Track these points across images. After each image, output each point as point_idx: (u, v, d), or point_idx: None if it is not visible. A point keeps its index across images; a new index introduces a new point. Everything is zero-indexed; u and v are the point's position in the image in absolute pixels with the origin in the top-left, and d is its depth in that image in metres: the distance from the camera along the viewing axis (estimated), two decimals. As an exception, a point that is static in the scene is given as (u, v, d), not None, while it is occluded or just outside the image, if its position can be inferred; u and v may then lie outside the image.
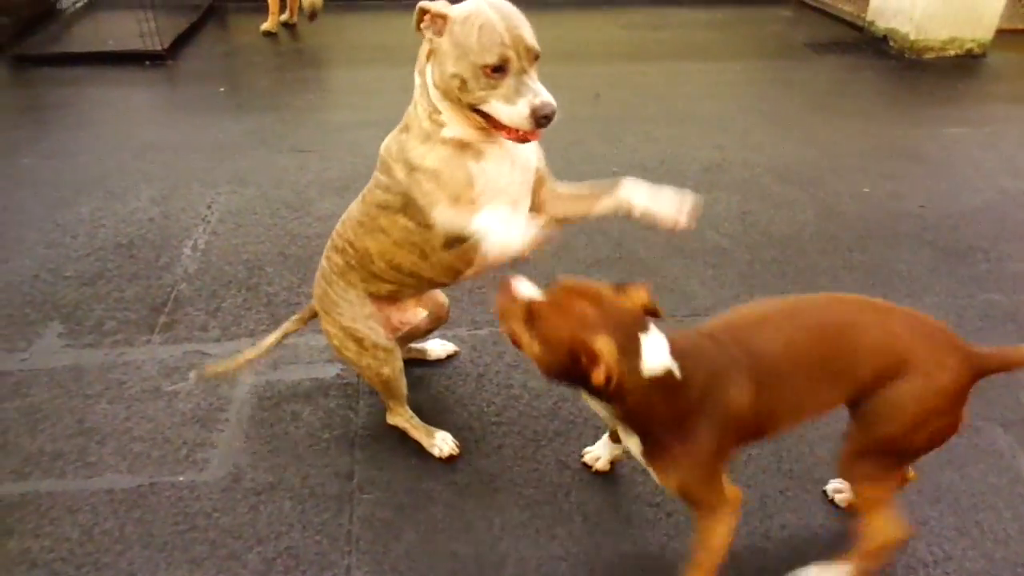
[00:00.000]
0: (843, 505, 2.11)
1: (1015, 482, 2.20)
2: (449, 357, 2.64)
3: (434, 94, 1.77)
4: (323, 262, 2.17)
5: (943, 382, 1.62)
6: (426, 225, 1.87)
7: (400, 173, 1.86)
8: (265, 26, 6.17)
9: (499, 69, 1.65)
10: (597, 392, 1.47)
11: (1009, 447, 2.31)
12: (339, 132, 4.41)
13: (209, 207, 3.59)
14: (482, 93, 1.68)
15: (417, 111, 1.83)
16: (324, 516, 2.06)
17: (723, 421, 1.59)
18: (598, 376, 1.43)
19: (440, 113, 1.78)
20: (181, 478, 2.17)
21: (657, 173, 3.96)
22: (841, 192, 3.83)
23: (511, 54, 1.64)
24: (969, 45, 5.84)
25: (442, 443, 2.25)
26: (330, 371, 2.55)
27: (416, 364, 2.60)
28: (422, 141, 1.82)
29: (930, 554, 1.99)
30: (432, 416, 2.39)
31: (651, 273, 3.12)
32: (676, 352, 1.53)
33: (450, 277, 2.04)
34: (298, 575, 1.90)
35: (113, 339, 2.71)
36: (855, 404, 1.70)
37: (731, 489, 1.69)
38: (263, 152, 4.15)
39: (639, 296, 1.55)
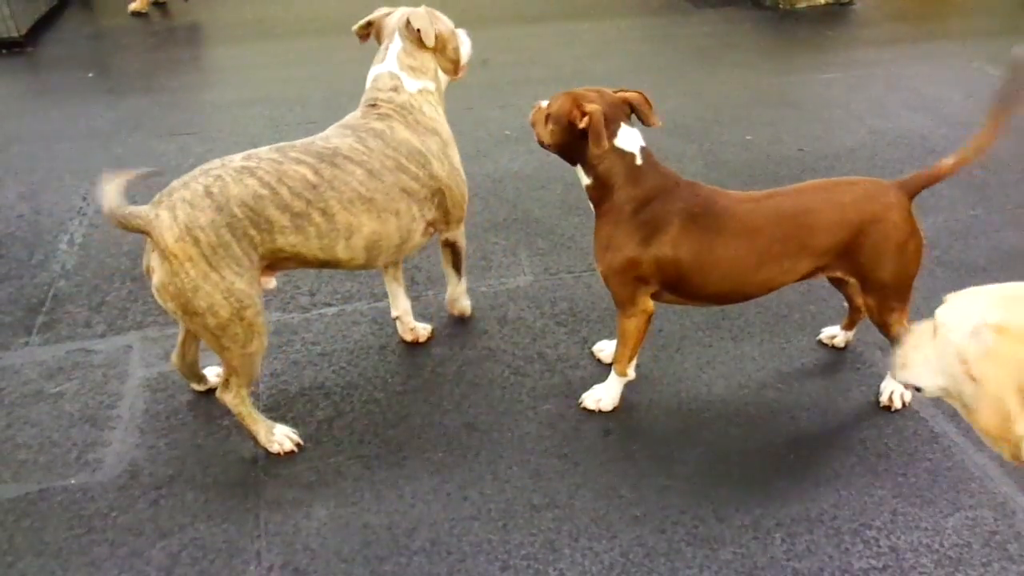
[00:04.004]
0: (841, 347, 2.56)
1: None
2: None
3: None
4: (234, 210, 1.85)
5: (895, 218, 2.05)
6: (440, 210, 2.23)
7: (442, 171, 2.19)
8: (134, 6, 5.85)
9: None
10: (581, 156, 2.03)
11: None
12: (220, 112, 4.23)
13: (84, 199, 3.40)
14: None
15: (440, 111, 2.28)
16: (230, 503, 2.01)
17: (647, 238, 2.02)
18: (583, 121, 1.95)
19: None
20: (73, 481, 2.07)
21: (549, 134, 3.97)
22: (726, 141, 3.96)
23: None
24: (838, -7, 6.09)
25: (284, 438, 2.13)
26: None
27: (315, 343, 2.56)
28: (451, 145, 2.28)
29: (822, 474, 2.11)
30: (337, 391, 2.36)
31: (548, 232, 3.16)
32: (647, 155, 2.05)
33: (376, 266, 2.26)
34: (206, 564, 1.86)
35: (-14, 345, 2.55)
36: (842, 270, 2.12)
37: (647, 303, 2.13)
38: (140, 137, 3.96)
39: (628, 94, 2.06)
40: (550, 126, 2.06)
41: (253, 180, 1.90)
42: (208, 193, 1.85)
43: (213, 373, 2.36)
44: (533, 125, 2.14)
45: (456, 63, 2.35)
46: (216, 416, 2.27)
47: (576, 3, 6.19)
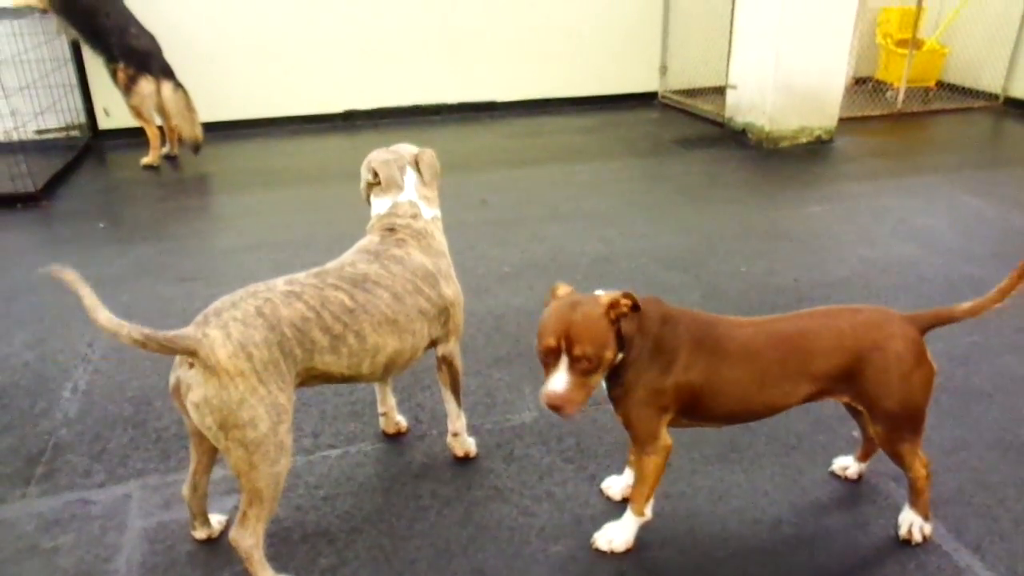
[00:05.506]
0: (854, 479, 2.51)
1: (914, 532, 2.29)
2: None
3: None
4: (284, 330, 1.96)
5: (898, 347, 2.06)
6: (445, 327, 2.39)
7: (448, 291, 2.36)
8: (147, 160, 6.11)
9: None
10: (619, 342, 1.96)
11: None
12: (227, 257, 4.34)
13: (90, 345, 3.43)
14: None
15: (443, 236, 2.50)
16: (228, 663, 1.91)
17: (666, 368, 2.02)
18: (623, 306, 1.93)
19: None
20: (63, 643, 1.97)
21: (549, 269, 4.08)
22: (721, 273, 4.04)
23: None
24: (817, 132, 6.40)
25: None
26: (227, 503, 2.42)
27: (318, 486, 2.51)
28: (452, 266, 2.47)
29: (846, 615, 2.02)
30: (341, 537, 2.29)
31: (551, 367, 3.16)
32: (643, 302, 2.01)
33: (385, 379, 2.50)
34: None
35: (-17, 497, 2.50)
36: (848, 396, 2.13)
37: (667, 438, 2.11)
38: (147, 283, 4.04)
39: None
40: (604, 354, 1.92)
41: (300, 304, 2.03)
42: (260, 313, 1.96)
43: (216, 519, 2.30)
44: (562, 407, 1.89)
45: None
46: (216, 567, 2.19)
47: (568, 147, 6.49)
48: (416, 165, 2.49)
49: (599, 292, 2.01)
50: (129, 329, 1.79)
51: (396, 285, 2.22)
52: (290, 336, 1.98)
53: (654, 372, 2.03)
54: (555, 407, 1.89)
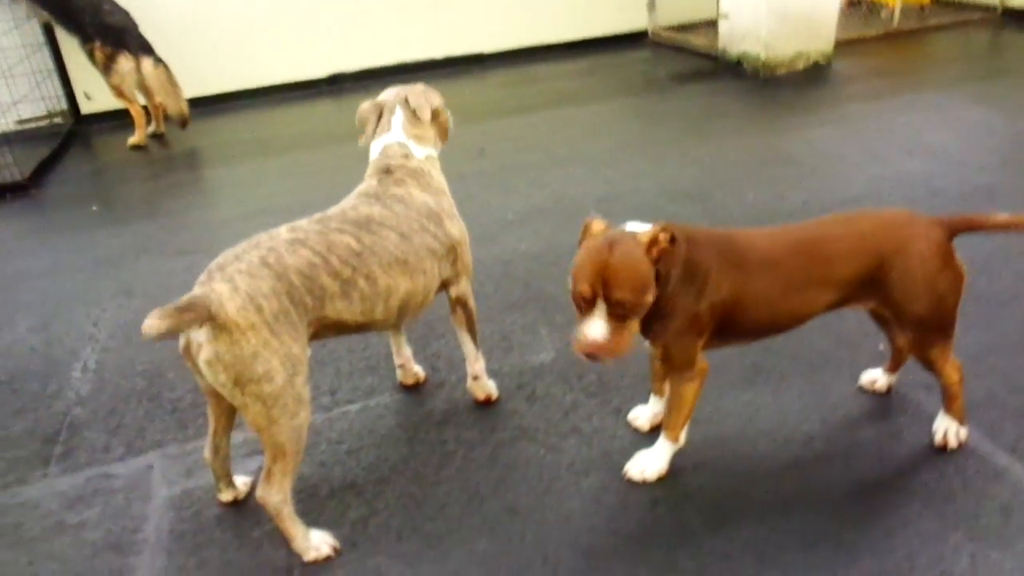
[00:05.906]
0: (883, 392, 2.44)
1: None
2: None
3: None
4: (292, 278, 1.90)
5: (920, 248, 1.99)
6: (454, 267, 2.32)
7: (454, 230, 2.29)
8: (133, 140, 5.99)
9: None
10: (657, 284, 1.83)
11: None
12: (223, 228, 4.27)
13: (95, 325, 3.37)
14: None
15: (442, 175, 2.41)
16: (267, 620, 1.89)
17: (699, 293, 1.94)
18: (663, 242, 1.81)
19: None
20: (99, 613, 1.95)
21: (554, 213, 4.00)
22: (729, 203, 3.97)
23: None
24: (815, 57, 6.25)
25: (321, 543, 2.03)
26: (250, 465, 2.38)
27: (341, 441, 2.48)
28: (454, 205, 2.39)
29: (889, 523, 1.99)
30: (368, 489, 2.26)
31: (565, 306, 3.11)
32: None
33: (399, 325, 2.44)
34: None
35: (3, 481, 2.46)
36: (875, 301, 2.06)
37: (703, 361, 2.06)
38: (147, 260, 3.97)
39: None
40: (645, 299, 1.81)
41: (306, 250, 1.97)
42: (265, 263, 1.89)
43: (241, 481, 2.27)
44: (599, 355, 1.78)
45: (446, 131, 2.53)
46: (246, 528, 2.16)
47: (561, 92, 6.35)
48: (406, 103, 2.40)
49: (632, 226, 1.89)
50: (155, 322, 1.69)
51: (402, 225, 2.16)
52: (298, 284, 1.92)
53: (689, 298, 1.95)
54: (590, 355, 1.79)
